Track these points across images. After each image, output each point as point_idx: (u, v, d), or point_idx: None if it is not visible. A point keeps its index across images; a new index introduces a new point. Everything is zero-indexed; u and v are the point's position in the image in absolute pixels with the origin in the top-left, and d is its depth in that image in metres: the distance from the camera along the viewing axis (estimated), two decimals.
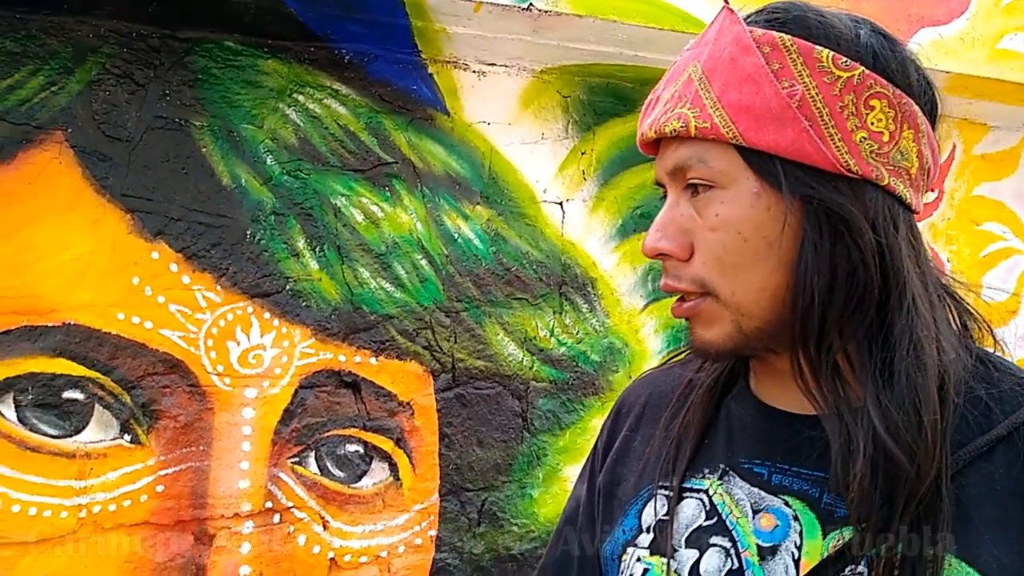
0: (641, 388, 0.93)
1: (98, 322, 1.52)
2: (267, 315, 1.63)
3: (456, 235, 1.79)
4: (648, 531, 0.78)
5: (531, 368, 1.84)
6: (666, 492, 0.78)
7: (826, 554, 0.68)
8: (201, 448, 1.56)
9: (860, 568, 0.66)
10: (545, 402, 1.85)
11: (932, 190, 2.25)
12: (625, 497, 0.83)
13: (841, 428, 0.68)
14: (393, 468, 1.70)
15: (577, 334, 1.89)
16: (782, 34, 0.69)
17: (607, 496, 0.86)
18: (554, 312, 1.87)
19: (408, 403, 1.72)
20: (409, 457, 1.71)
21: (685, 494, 0.78)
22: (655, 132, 0.74)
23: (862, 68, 0.68)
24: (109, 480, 1.50)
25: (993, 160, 2.34)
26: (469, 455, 1.77)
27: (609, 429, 0.92)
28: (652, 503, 0.79)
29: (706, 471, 0.78)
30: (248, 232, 1.63)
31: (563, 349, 1.87)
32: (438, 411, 1.75)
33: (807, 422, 0.74)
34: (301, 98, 1.69)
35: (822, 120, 0.67)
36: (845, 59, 0.68)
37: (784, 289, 0.69)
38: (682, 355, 0.92)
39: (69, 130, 1.52)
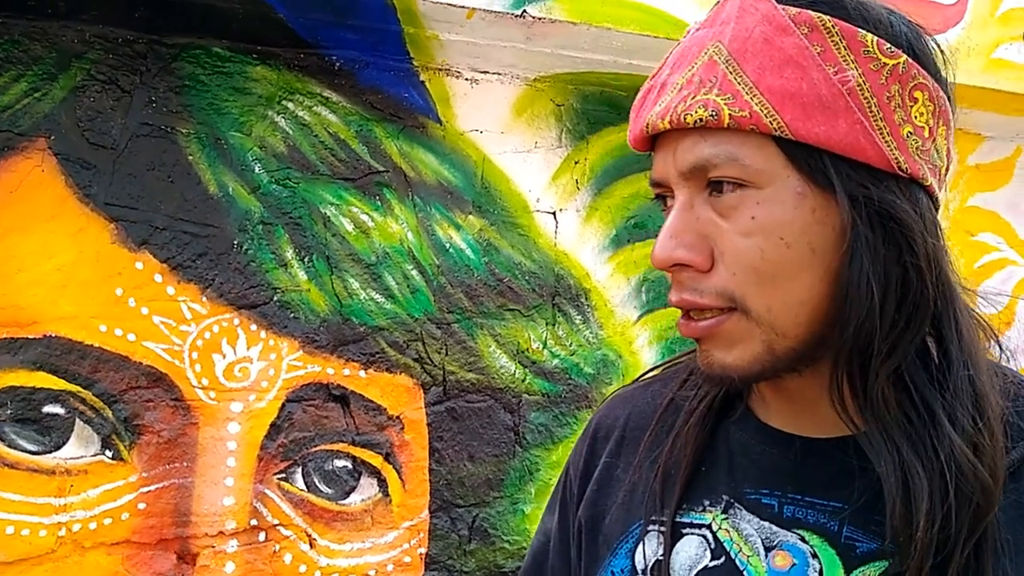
0: (618, 409, 0.83)
1: (80, 334, 1.48)
2: (254, 327, 1.59)
3: (448, 245, 1.76)
4: (644, 573, 0.70)
5: (523, 381, 1.81)
6: (661, 528, 0.70)
7: None
8: (185, 464, 1.52)
9: None
10: (538, 415, 1.82)
11: None
12: (612, 534, 0.74)
13: (891, 452, 0.60)
14: (382, 484, 1.66)
15: (570, 346, 1.86)
16: (820, 14, 0.61)
17: (590, 532, 0.77)
18: (547, 323, 1.84)
19: (398, 417, 1.69)
20: (399, 473, 1.68)
21: (684, 530, 0.70)
22: (671, 122, 0.62)
23: (905, 56, 0.61)
24: (90, 497, 1.46)
25: (988, 170, 2.33)
26: (460, 470, 1.73)
27: (585, 456, 0.82)
28: (646, 541, 0.71)
29: (707, 503, 0.70)
30: (235, 242, 1.59)
31: (556, 361, 1.84)
32: (428, 425, 1.71)
33: (822, 447, 0.68)
34: (290, 105, 1.66)
35: (871, 111, 0.59)
36: (889, 45, 0.61)
37: (826, 302, 0.61)
38: (658, 370, 0.84)
39: (52, 137, 1.49)
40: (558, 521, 0.84)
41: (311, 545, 1.59)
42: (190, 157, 1.58)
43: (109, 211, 1.52)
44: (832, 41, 0.60)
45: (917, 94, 0.61)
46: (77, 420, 1.47)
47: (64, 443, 1.46)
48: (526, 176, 1.85)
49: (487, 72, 1.82)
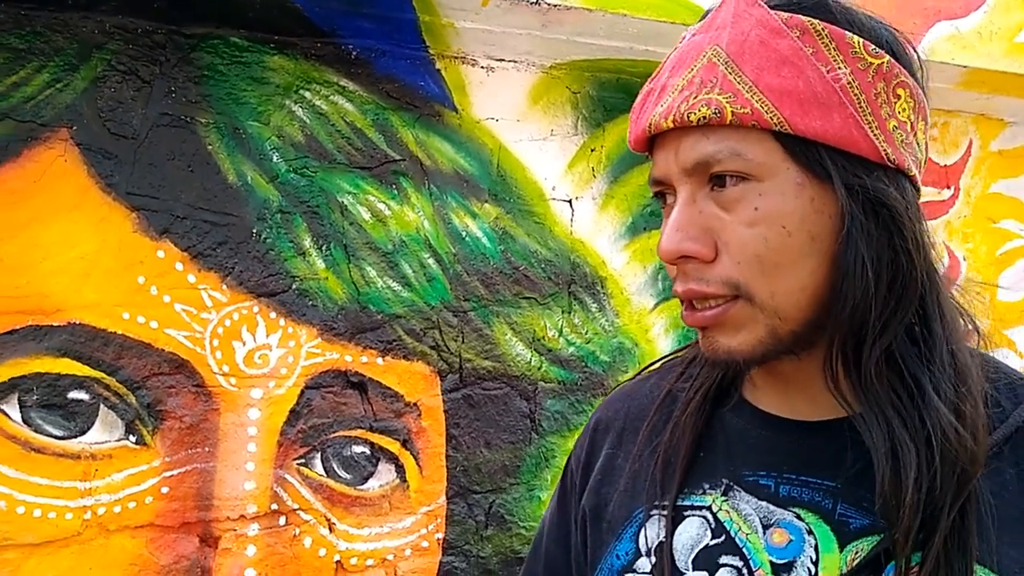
0: (618, 403, 0.87)
1: (103, 322, 1.50)
2: (273, 315, 1.61)
3: (464, 233, 1.77)
4: (648, 555, 0.73)
5: (539, 368, 1.81)
6: (663, 512, 0.73)
7: (845, 568, 0.65)
8: (206, 449, 1.54)
9: None
10: (553, 403, 1.83)
11: (948, 186, 2.21)
12: (616, 520, 0.77)
13: (883, 427, 0.64)
14: (400, 470, 1.68)
15: (586, 334, 1.86)
16: (810, 18, 0.65)
17: (595, 520, 0.80)
18: (563, 312, 1.84)
19: (415, 404, 1.70)
20: (416, 459, 1.69)
21: (686, 512, 0.73)
22: (674, 121, 0.65)
23: (888, 56, 0.66)
24: (114, 481, 1.49)
25: (1010, 156, 2.30)
26: (476, 456, 1.75)
27: (587, 449, 0.86)
28: (650, 525, 0.74)
29: (707, 486, 0.73)
30: (254, 231, 1.61)
31: (572, 349, 1.85)
32: (445, 412, 1.73)
33: (814, 428, 0.71)
34: (307, 95, 1.67)
35: (861, 107, 0.64)
36: (873, 46, 0.65)
37: (824, 287, 0.65)
38: (656, 365, 0.88)
39: (74, 128, 1.51)
40: (557, 510, 0.88)
41: (330, 529, 1.61)
42: (209, 147, 1.59)
43: (131, 200, 1.54)
44: (823, 43, 0.64)
45: (900, 91, 0.66)
46: (101, 406, 1.49)
47: (89, 428, 1.48)
48: (542, 164, 1.86)
49: (503, 60, 1.82)
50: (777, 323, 0.65)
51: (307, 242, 1.65)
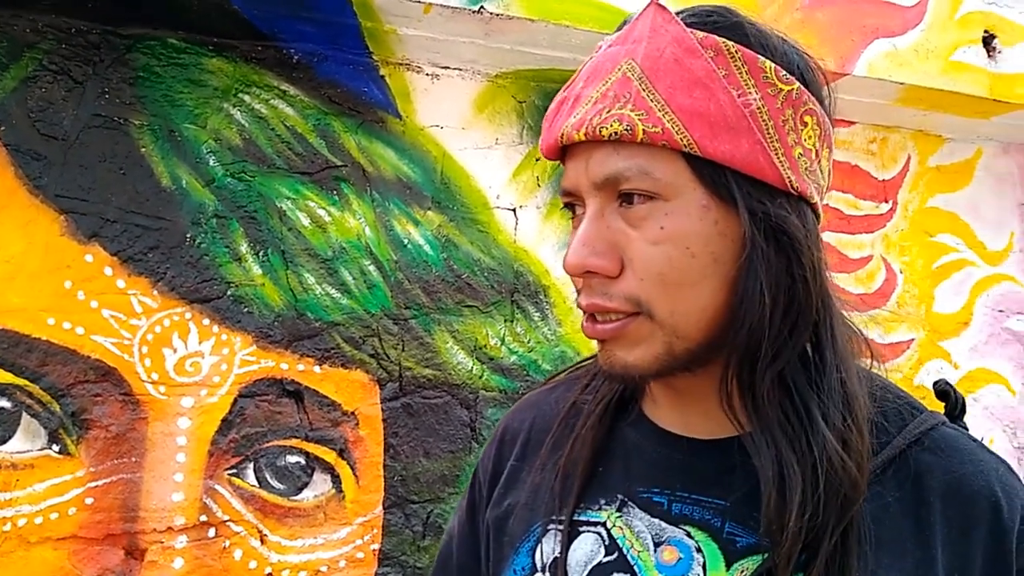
0: (524, 413, 0.86)
1: (27, 327, 1.46)
2: (206, 321, 1.58)
3: (406, 241, 1.76)
4: (543, 570, 0.72)
5: (481, 377, 1.81)
6: (559, 527, 0.73)
7: None
8: (133, 459, 1.51)
9: None
10: (495, 412, 1.82)
11: (886, 200, 2.26)
12: (515, 534, 0.77)
13: (771, 449, 0.64)
14: (336, 480, 1.66)
15: (528, 343, 1.86)
16: (724, 39, 0.65)
17: (497, 532, 0.79)
18: (505, 320, 1.84)
19: (353, 413, 1.68)
20: (352, 468, 1.67)
21: (582, 528, 0.72)
22: (586, 134, 0.64)
23: (798, 83, 0.66)
24: (36, 492, 1.44)
25: (948, 172, 2.36)
26: (415, 466, 1.73)
27: (493, 459, 0.85)
28: (546, 540, 0.73)
29: (603, 502, 0.73)
30: (188, 235, 1.58)
31: (514, 358, 1.84)
32: (384, 421, 1.71)
33: (707, 447, 0.71)
34: (247, 98, 1.65)
35: (769, 133, 0.64)
36: (784, 72, 0.66)
37: (723, 308, 0.65)
38: (563, 375, 0.87)
39: (2, 128, 1.47)
40: (466, 521, 0.87)
41: (262, 541, 1.58)
42: (143, 149, 1.56)
43: (59, 203, 1.50)
44: (735, 65, 0.64)
45: (807, 119, 0.66)
46: (24, 414, 1.45)
47: (10, 437, 1.44)
48: (486, 172, 1.85)
49: (448, 67, 1.82)
50: (674, 340, 0.65)
51: (243, 248, 1.62)
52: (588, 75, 0.68)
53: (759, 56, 0.65)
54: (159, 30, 1.59)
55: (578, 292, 0.69)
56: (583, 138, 0.65)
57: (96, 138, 1.53)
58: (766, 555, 0.64)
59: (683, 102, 0.63)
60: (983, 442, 0.71)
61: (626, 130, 0.63)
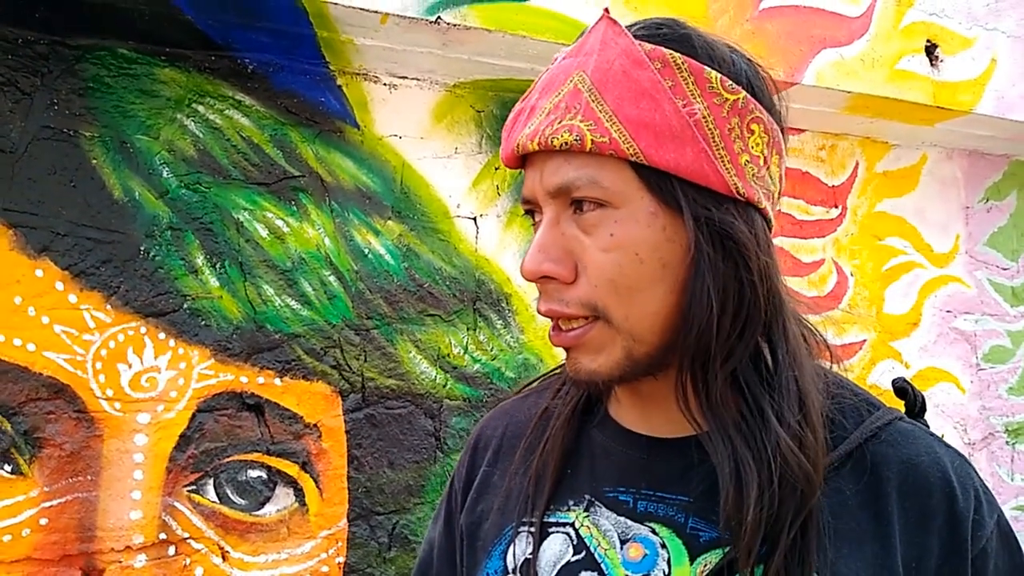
0: (497, 421, 0.88)
1: None
2: (162, 335, 1.55)
3: (366, 251, 1.75)
4: (515, 572, 0.74)
5: (444, 386, 1.80)
6: (530, 529, 0.74)
7: None
8: (89, 478, 1.47)
9: None
10: (459, 420, 1.82)
11: (836, 205, 2.32)
12: (488, 538, 0.79)
13: (727, 447, 0.66)
14: (299, 493, 1.64)
15: (492, 350, 1.86)
16: (672, 51, 0.67)
17: (471, 537, 0.81)
18: (468, 328, 1.84)
19: (315, 425, 1.66)
20: (316, 481, 1.65)
21: (551, 529, 0.74)
22: (539, 144, 0.67)
23: (744, 92, 0.68)
24: None
25: (895, 177, 2.43)
26: (380, 477, 1.72)
27: (467, 466, 0.87)
28: (517, 542, 0.75)
29: (571, 503, 0.75)
30: (142, 248, 1.55)
31: (477, 366, 1.85)
32: (347, 432, 1.69)
33: (669, 446, 0.74)
34: (201, 108, 1.63)
35: (714, 141, 0.66)
36: (731, 82, 0.68)
37: (675, 312, 0.67)
38: (536, 383, 0.90)
39: None
40: (444, 530, 0.88)
41: (224, 558, 1.56)
42: (94, 161, 1.53)
43: (8, 217, 1.46)
44: (682, 76, 0.66)
45: (754, 127, 0.68)
46: None
47: None
48: (446, 182, 1.86)
49: (405, 77, 1.82)
50: (633, 345, 0.67)
51: (199, 260, 1.60)
52: (543, 87, 0.71)
53: (705, 67, 0.67)
54: (109, 40, 1.56)
55: (538, 299, 0.71)
56: (536, 148, 0.67)
57: (45, 150, 1.50)
58: (728, 548, 0.66)
59: (630, 113, 0.65)
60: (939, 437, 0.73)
61: (575, 140, 0.65)
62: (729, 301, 0.66)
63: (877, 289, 2.35)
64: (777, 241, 2.23)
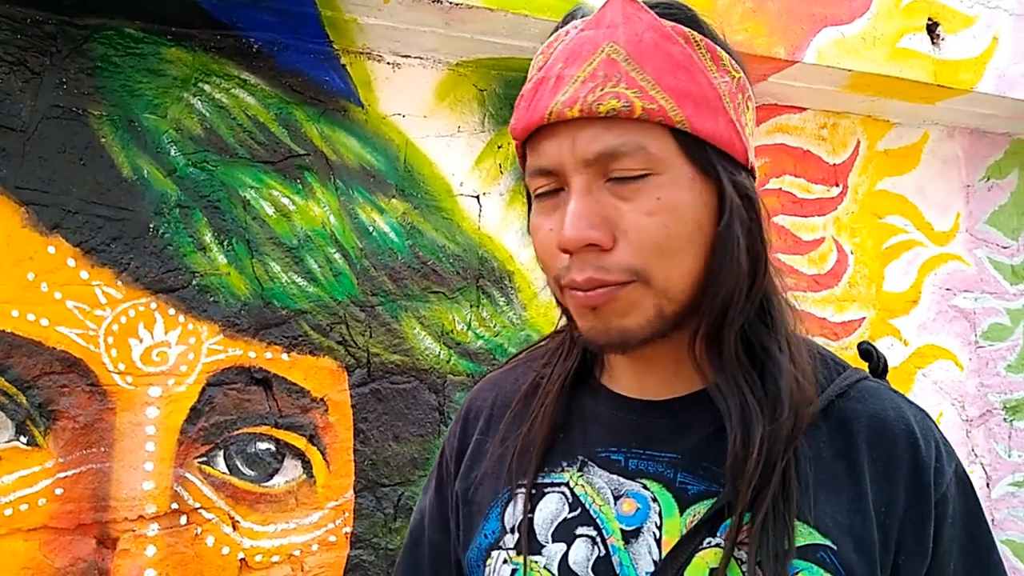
0: (487, 391, 0.91)
1: None
2: (172, 311, 1.58)
3: (371, 228, 1.78)
4: (513, 531, 0.77)
5: (448, 362, 1.84)
6: (526, 490, 0.78)
7: (684, 530, 0.71)
8: (102, 449, 1.51)
9: (716, 539, 0.69)
10: (462, 395, 1.85)
11: (837, 184, 2.33)
12: (484, 501, 0.82)
13: (736, 396, 0.70)
14: (306, 465, 1.68)
15: (494, 327, 1.89)
16: (690, 29, 0.70)
17: (465, 503, 0.84)
18: (471, 305, 1.87)
19: (322, 399, 1.70)
20: (323, 454, 1.69)
21: (547, 489, 0.78)
22: (581, 111, 0.66)
23: (742, 72, 0.73)
24: (5, 484, 1.44)
25: (896, 156, 2.44)
26: (385, 450, 1.76)
27: (459, 436, 0.90)
28: (513, 503, 0.79)
29: (565, 464, 0.79)
30: (151, 225, 1.58)
31: (480, 342, 1.88)
32: (353, 407, 1.73)
33: (660, 407, 0.77)
34: (207, 87, 1.65)
35: (734, 114, 0.70)
36: (734, 62, 0.72)
37: (703, 271, 0.70)
38: (523, 354, 0.92)
39: None
40: (435, 498, 0.91)
41: (234, 527, 1.60)
42: (103, 140, 1.56)
43: (19, 195, 1.49)
44: (701, 53, 0.70)
45: (748, 103, 0.74)
46: None
47: None
48: (449, 160, 1.88)
49: (409, 56, 1.84)
50: (665, 303, 0.69)
51: (208, 237, 1.63)
52: (567, 56, 0.70)
53: (717, 47, 0.71)
54: (116, 20, 1.58)
55: (559, 271, 0.71)
56: (577, 114, 0.67)
57: (55, 129, 1.53)
58: (715, 499, 0.70)
59: (670, 83, 0.67)
60: (907, 397, 0.79)
61: (624, 106, 0.66)
62: (751, 260, 0.71)
63: (877, 267, 2.37)
64: (778, 219, 2.25)
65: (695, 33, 0.70)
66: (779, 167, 2.26)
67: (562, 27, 0.74)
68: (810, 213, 2.28)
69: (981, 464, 2.50)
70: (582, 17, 0.73)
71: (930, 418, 0.77)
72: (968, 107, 2.33)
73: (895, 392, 0.78)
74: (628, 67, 0.67)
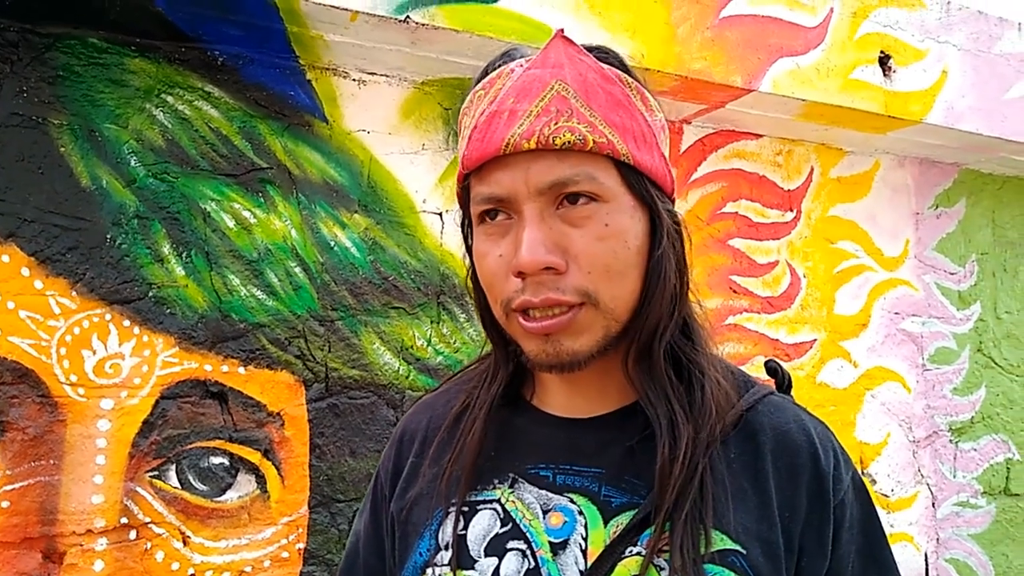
0: (420, 414, 0.94)
1: None
2: (127, 323, 1.57)
3: (332, 243, 1.78)
4: (447, 548, 0.80)
5: (407, 377, 1.84)
6: (456, 508, 0.81)
7: (608, 541, 0.75)
8: (51, 461, 1.49)
9: (638, 548, 0.73)
10: None
11: (791, 209, 2.40)
12: (419, 521, 0.84)
13: (666, 407, 0.76)
14: (260, 480, 1.67)
15: (454, 343, 1.91)
16: (623, 73, 0.78)
17: (400, 524, 0.86)
18: (432, 321, 1.88)
19: (278, 413, 1.69)
20: (278, 469, 1.68)
21: (479, 507, 0.81)
22: (538, 143, 0.71)
23: (662, 112, 0.82)
24: None
25: (848, 183, 2.51)
26: (341, 466, 1.75)
27: (394, 459, 0.92)
28: (447, 521, 0.81)
29: (496, 481, 0.82)
30: (108, 236, 1.57)
31: (440, 358, 1.89)
32: (310, 421, 1.73)
33: (586, 425, 0.82)
34: (170, 99, 1.65)
35: (661, 148, 0.79)
36: (655, 102, 0.80)
37: (639, 293, 0.76)
38: (456, 377, 0.95)
39: None
40: (370, 521, 0.93)
41: (184, 543, 1.58)
42: (62, 149, 1.54)
43: None
44: (634, 94, 0.78)
45: (667, 140, 0.83)
46: None
47: None
48: (413, 177, 1.89)
49: (375, 73, 1.85)
50: (611, 324, 0.75)
51: (166, 249, 1.62)
52: (517, 92, 0.74)
53: (644, 89, 0.79)
54: (80, 29, 1.58)
55: (511, 293, 0.74)
56: (535, 146, 0.72)
57: (14, 137, 1.51)
58: (636, 511, 0.75)
59: (614, 119, 0.74)
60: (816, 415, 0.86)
61: (578, 140, 0.72)
62: (679, 281, 0.78)
63: (828, 290, 2.44)
64: (734, 242, 2.30)
65: (628, 76, 0.78)
66: (735, 191, 2.31)
67: (503, 65, 0.78)
68: (765, 237, 2.34)
69: (927, 484, 2.57)
70: (522, 56, 0.78)
71: (830, 430, 0.83)
72: (918, 137, 2.41)
73: (798, 406, 0.84)
74: (577, 104, 0.73)
